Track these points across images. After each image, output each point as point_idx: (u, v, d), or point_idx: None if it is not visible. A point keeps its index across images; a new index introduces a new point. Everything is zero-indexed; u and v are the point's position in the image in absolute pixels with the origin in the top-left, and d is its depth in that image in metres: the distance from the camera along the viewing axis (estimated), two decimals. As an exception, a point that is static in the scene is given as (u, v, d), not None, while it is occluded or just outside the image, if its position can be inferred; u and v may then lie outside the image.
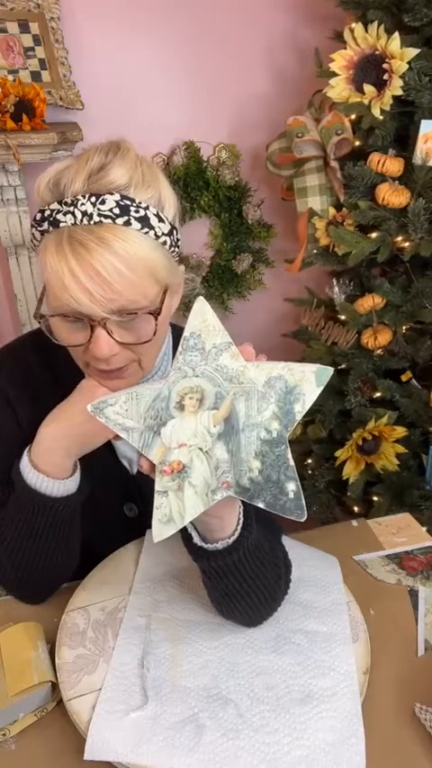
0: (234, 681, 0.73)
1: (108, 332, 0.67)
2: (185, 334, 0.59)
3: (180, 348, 0.59)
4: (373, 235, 1.48)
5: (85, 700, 0.70)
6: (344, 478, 1.66)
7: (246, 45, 1.78)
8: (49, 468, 0.76)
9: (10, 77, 1.52)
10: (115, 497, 0.94)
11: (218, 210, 1.89)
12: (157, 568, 0.88)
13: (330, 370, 0.61)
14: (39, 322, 0.71)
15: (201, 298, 0.59)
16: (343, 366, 1.64)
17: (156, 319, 0.68)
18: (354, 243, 1.47)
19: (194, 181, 1.82)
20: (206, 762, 0.64)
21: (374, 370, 1.64)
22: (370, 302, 1.55)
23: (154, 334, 0.69)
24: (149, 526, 0.93)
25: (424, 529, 1.06)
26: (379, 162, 1.42)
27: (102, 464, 0.87)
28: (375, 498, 1.68)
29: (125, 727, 0.67)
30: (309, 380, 0.61)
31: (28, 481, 0.76)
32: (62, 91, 1.60)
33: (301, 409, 0.62)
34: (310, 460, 1.78)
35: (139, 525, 0.94)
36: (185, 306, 1.89)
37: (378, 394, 1.64)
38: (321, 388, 0.62)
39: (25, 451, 0.77)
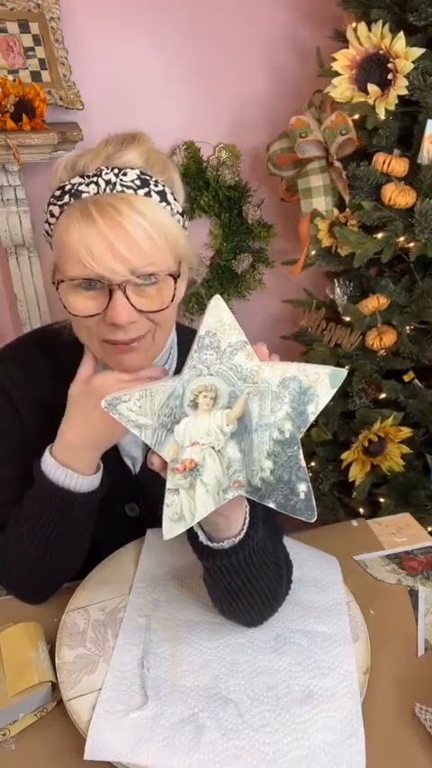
0: (234, 681, 0.73)
1: (126, 297, 0.67)
2: (200, 332, 0.59)
3: (195, 346, 0.59)
4: (379, 235, 1.47)
5: (85, 700, 0.70)
6: (349, 480, 1.65)
7: (246, 45, 1.77)
8: (79, 465, 0.77)
9: (10, 77, 1.52)
10: (117, 497, 0.93)
11: (218, 210, 1.89)
12: (157, 568, 0.88)
13: (344, 372, 0.62)
14: (57, 289, 0.71)
15: (217, 296, 0.59)
16: (347, 367, 1.63)
17: (175, 282, 0.70)
18: (358, 243, 1.46)
19: (194, 181, 1.82)
20: (206, 762, 0.64)
21: (378, 370, 1.64)
22: (375, 303, 1.54)
23: (172, 300, 0.70)
24: (150, 526, 0.94)
25: (430, 529, 1.06)
26: (384, 162, 1.41)
27: (105, 463, 0.87)
28: (382, 500, 1.68)
29: (125, 727, 0.67)
30: (323, 382, 0.61)
31: (55, 479, 0.76)
32: (62, 91, 1.60)
33: (314, 410, 0.62)
34: (313, 463, 1.77)
35: (140, 525, 0.94)
36: (185, 306, 1.90)
37: (383, 395, 1.63)
38: (335, 389, 0.62)
39: (47, 451, 0.77)
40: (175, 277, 0.70)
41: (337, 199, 1.57)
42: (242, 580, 0.72)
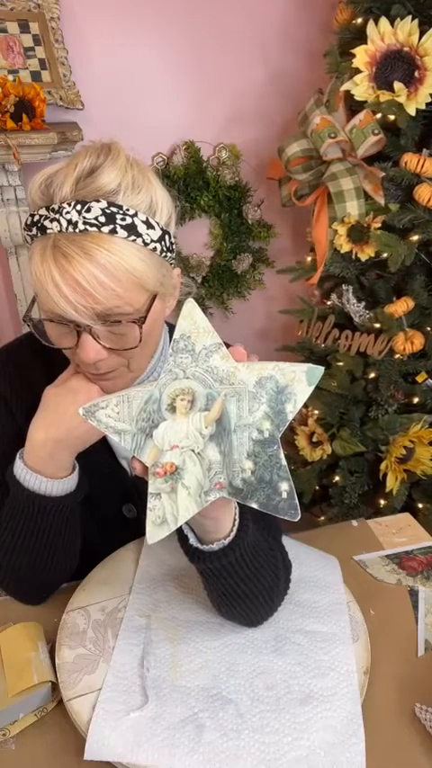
0: (234, 681, 0.73)
1: (95, 337, 0.67)
2: (175, 336, 0.59)
3: (170, 350, 0.60)
4: (415, 237, 1.44)
5: (85, 700, 0.70)
6: (386, 491, 1.60)
7: (246, 44, 1.78)
8: (49, 469, 0.76)
9: (10, 77, 1.52)
10: (114, 498, 0.94)
11: (218, 210, 1.89)
12: (158, 568, 0.88)
13: (321, 370, 0.62)
14: (28, 325, 0.71)
15: (190, 300, 0.59)
16: (372, 375, 1.59)
17: (140, 327, 0.68)
18: (388, 246, 1.43)
19: (194, 181, 1.82)
20: (206, 762, 0.64)
21: (399, 375, 1.60)
22: (404, 306, 1.50)
23: (139, 341, 0.69)
24: (149, 527, 0.94)
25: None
26: (418, 162, 1.38)
27: (101, 465, 0.86)
28: (420, 505, 1.64)
29: (125, 727, 0.67)
30: (300, 380, 0.61)
31: (26, 484, 0.76)
32: (62, 91, 1.60)
33: (292, 409, 0.62)
34: (337, 477, 1.70)
35: (138, 526, 0.93)
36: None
37: (417, 399, 1.59)
38: (312, 387, 0.62)
39: (18, 455, 0.77)
40: (140, 323, 0.68)
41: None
42: (236, 581, 0.72)
